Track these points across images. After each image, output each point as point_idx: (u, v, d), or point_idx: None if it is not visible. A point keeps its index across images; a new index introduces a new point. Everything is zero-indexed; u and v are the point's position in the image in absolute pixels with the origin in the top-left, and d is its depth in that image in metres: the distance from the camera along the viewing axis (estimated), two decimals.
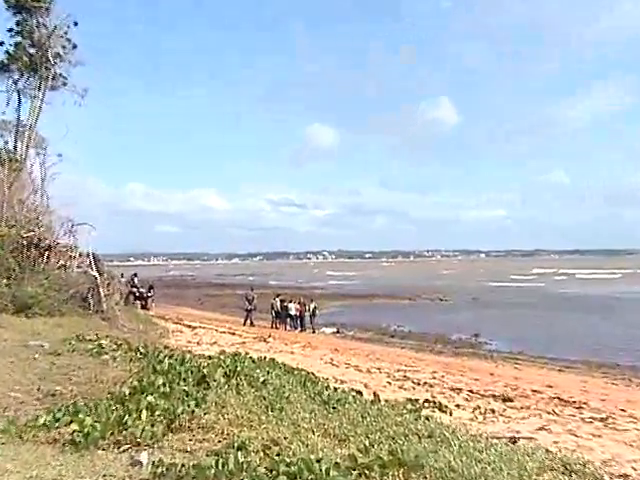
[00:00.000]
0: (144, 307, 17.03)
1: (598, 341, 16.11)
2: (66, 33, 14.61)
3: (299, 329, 18.15)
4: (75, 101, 14.99)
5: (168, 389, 3.44)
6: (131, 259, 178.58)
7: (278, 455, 2.52)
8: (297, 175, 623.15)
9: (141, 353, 5.39)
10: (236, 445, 2.62)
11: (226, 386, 3.75)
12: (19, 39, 14.35)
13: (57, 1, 14.64)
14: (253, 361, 5.22)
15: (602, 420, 6.44)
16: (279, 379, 4.34)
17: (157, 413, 2.99)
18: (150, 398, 3.16)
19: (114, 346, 5.86)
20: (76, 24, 14.78)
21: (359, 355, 11.72)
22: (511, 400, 7.35)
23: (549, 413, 6.67)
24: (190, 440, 2.78)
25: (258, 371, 4.41)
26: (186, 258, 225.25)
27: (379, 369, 9.48)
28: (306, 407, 3.54)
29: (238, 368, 4.25)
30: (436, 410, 5.81)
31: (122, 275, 16.57)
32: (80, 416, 2.86)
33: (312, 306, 18.59)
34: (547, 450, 3.35)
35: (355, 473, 2.34)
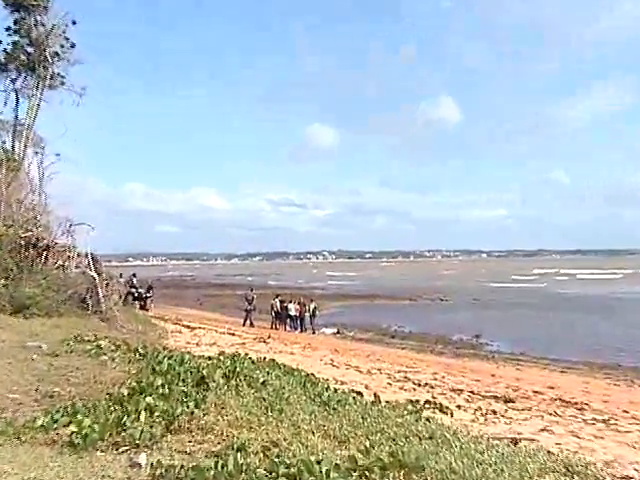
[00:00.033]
0: (143, 308, 16.97)
1: (600, 342, 16.07)
2: (64, 32, 14.48)
3: (299, 330, 18.12)
4: (73, 100, 14.93)
5: (167, 390, 3.43)
6: (130, 259, 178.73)
7: (278, 457, 2.51)
8: (297, 175, 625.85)
9: (140, 354, 5.37)
10: (235, 446, 2.61)
11: (225, 387, 3.73)
12: (17, 38, 14.22)
13: (55, 0, 14.63)
14: (253, 362, 5.21)
15: (604, 421, 6.41)
16: (279, 380, 4.32)
17: (156, 414, 2.97)
18: (149, 399, 3.15)
19: (113, 347, 5.84)
20: (74, 23, 14.65)
21: (359, 356, 11.69)
22: (512, 401, 7.32)
23: (551, 414, 6.64)
24: (189, 441, 2.77)
25: (258, 372, 4.39)
26: (185, 258, 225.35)
27: (379, 370, 9.45)
28: (306, 408, 3.52)
29: (238, 369, 4.23)
30: (437, 411, 5.79)
31: (121, 275, 16.52)
32: (78, 417, 2.85)
33: (312, 306, 18.55)
34: (549, 451, 3.32)
35: (355, 475, 2.33)
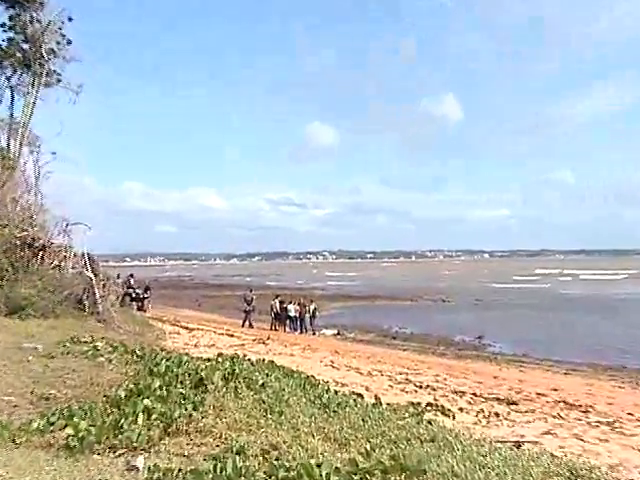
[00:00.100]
0: (140, 308, 16.89)
1: (604, 343, 15.97)
2: (60, 29, 14.32)
3: (299, 331, 18.07)
4: (70, 98, 14.79)
5: (165, 392, 3.41)
6: (127, 259, 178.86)
7: (277, 460, 2.50)
8: (297, 174, 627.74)
9: (137, 355, 5.35)
10: (234, 449, 2.60)
11: (224, 389, 3.71)
12: (12, 34, 14.05)
13: None
14: (252, 363, 5.20)
15: (609, 424, 6.35)
16: (278, 382, 4.30)
17: (154, 417, 2.95)
18: (146, 401, 3.13)
19: (110, 348, 5.80)
20: (71, 19, 14.49)
21: (360, 357, 11.64)
22: (515, 403, 7.26)
23: (554, 417, 6.58)
24: (187, 444, 2.75)
25: (257, 374, 4.37)
26: (183, 258, 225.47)
27: (380, 372, 9.40)
28: (306, 411, 3.50)
29: (236, 371, 4.21)
30: (439, 414, 5.75)
31: (118, 276, 16.47)
32: (75, 420, 2.83)
33: (312, 307, 18.49)
34: (552, 455, 3.28)
35: (356, 478, 2.31)
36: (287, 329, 18.24)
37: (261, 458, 2.53)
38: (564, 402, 7.69)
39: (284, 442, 2.77)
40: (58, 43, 14.32)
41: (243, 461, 2.40)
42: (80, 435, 2.60)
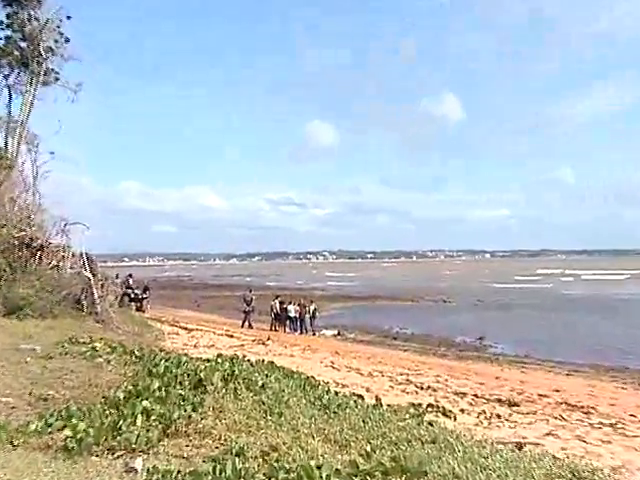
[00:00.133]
0: (139, 309, 16.85)
1: (606, 344, 15.91)
2: (58, 27, 14.20)
3: (299, 331, 18.05)
4: (68, 97, 14.69)
5: (164, 393, 3.40)
6: (125, 259, 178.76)
7: (277, 461, 2.49)
8: (297, 174, 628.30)
9: (136, 356, 5.32)
10: (234, 451, 2.59)
11: (224, 390, 3.69)
12: (10, 32, 13.92)
13: None
14: (251, 364, 5.18)
15: (611, 425, 6.31)
16: (278, 383, 4.28)
17: (152, 418, 2.94)
18: (145, 403, 3.12)
19: (108, 349, 5.77)
20: (69, 18, 14.36)
21: (360, 358, 11.61)
22: (517, 405, 7.22)
23: (556, 418, 6.54)
24: (187, 446, 2.74)
25: (257, 375, 4.35)
26: (182, 258, 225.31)
27: (381, 373, 9.37)
28: (306, 412, 3.48)
29: (236, 372, 4.19)
30: (440, 415, 5.72)
31: (117, 276, 16.46)
32: (73, 421, 2.82)
33: (312, 308, 18.47)
34: (554, 456, 3.26)
35: None
36: (287, 330, 18.21)
37: (261, 460, 2.52)
38: (566, 403, 7.65)
39: (284, 443, 2.75)
40: (56, 41, 14.22)
41: (243, 463, 2.39)
42: (78, 437, 2.59)
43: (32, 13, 13.86)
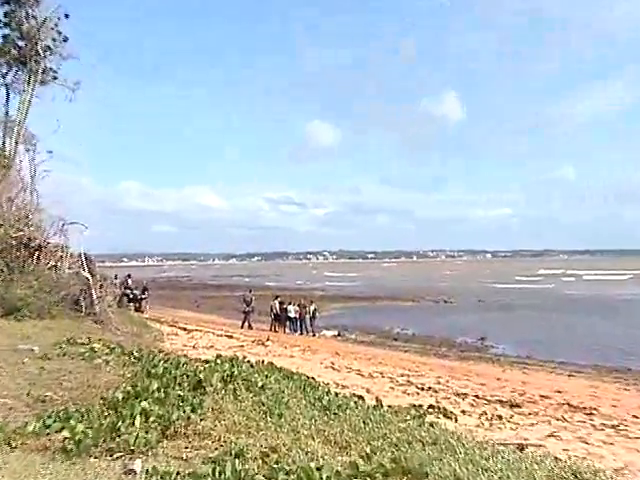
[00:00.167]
0: (138, 309, 16.86)
1: (608, 345, 15.86)
2: (57, 25, 14.10)
3: (299, 332, 18.03)
4: (66, 96, 14.59)
5: (163, 394, 3.38)
6: (124, 259, 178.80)
7: (277, 463, 2.47)
8: (296, 174, 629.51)
9: (135, 357, 5.29)
10: (233, 452, 2.56)
11: (223, 391, 3.68)
12: (7, 31, 13.84)
13: None
14: (251, 365, 5.16)
15: (614, 427, 6.28)
16: (278, 384, 4.27)
17: (151, 419, 2.92)
18: (144, 404, 3.10)
19: (107, 350, 5.74)
20: (67, 16, 14.25)
21: (361, 359, 11.59)
22: (519, 406, 7.19)
23: (558, 419, 6.52)
24: (186, 447, 2.72)
25: (256, 376, 4.33)
26: (181, 259, 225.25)
27: (381, 373, 9.35)
28: (306, 413, 3.47)
29: (235, 372, 4.18)
30: (441, 416, 5.70)
31: (116, 276, 16.46)
32: (71, 422, 2.80)
33: (312, 308, 18.43)
34: (556, 458, 3.25)
35: None
36: (287, 330, 18.20)
37: (260, 461, 2.50)
38: (568, 404, 7.62)
39: (284, 445, 2.74)
40: (54, 40, 14.15)
41: (242, 464, 2.37)
42: (77, 438, 2.57)
43: (30, 11, 13.76)
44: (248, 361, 5.39)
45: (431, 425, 3.92)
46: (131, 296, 16.90)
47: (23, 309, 8.47)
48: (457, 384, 8.83)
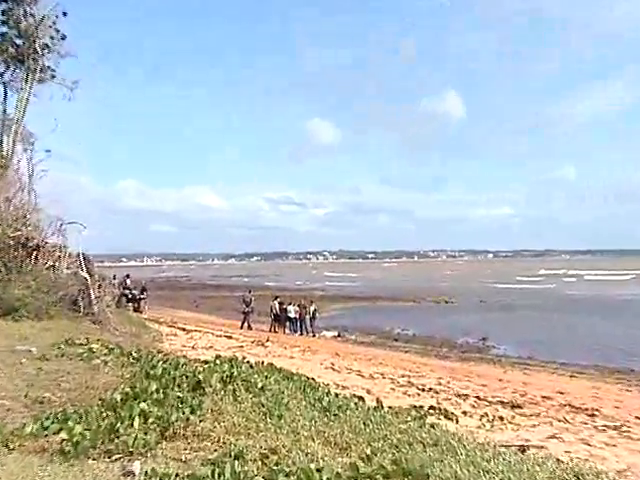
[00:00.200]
0: (137, 310, 16.85)
1: (610, 345, 15.80)
2: (55, 23, 14.03)
3: (299, 332, 18.01)
4: (64, 94, 14.52)
5: (162, 395, 3.37)
6: (123, 260, 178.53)
7: (277, 464, 2.46)
8: (296, 173, 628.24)
9: (134, 358, 5.29)
10: (233, 454, 2.56)
11: (222, 392, 3.67)
12: (5, 29, 13.78)
13: None
14: (251, 366, 5.14)
15: (616, 428, 6.25)
16: (278, 385, 4.26)
17: (150, 420, 2.91)
18: (143, 405, 3.09)
19: (105, 350, 5.73)
20: (65, 14, 14.17)
21: (361, 360, 11.56)
22: (520, 407, 7.16)
23: (560, 421, 6.49)
24: (185, 449, 2.71)
25: (256, 376, 4.32)
26: (180, 259, 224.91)
27: (382, 374, 9.33)
28: (306, 414, 3.46)
29: (235, 373, 4.16)
30: (442, 417, 5.68)
31: (114, 276, 16.45)
32: (69, 424, 2.79)
33: (312, 309, 18.41)
34: (558, 460, 3.22)
35: None
36: (287, 331, 18.19)
37: (260, 463, 2.49)
38: (570, 405, 7.59)
39: (283, 446, 2.73)
40: (52, 38, 14.09)
41: (242, 466, 2.36)
42: (75, 439, 2.56)
43: (28, 9, 13.70)
44: (248, 362, 5.38)
45: (432, 426, 3.90)
46: (130, 296, 16.91)
47: (21, 309, 8.45)
48: (458, 385, 8.80)
